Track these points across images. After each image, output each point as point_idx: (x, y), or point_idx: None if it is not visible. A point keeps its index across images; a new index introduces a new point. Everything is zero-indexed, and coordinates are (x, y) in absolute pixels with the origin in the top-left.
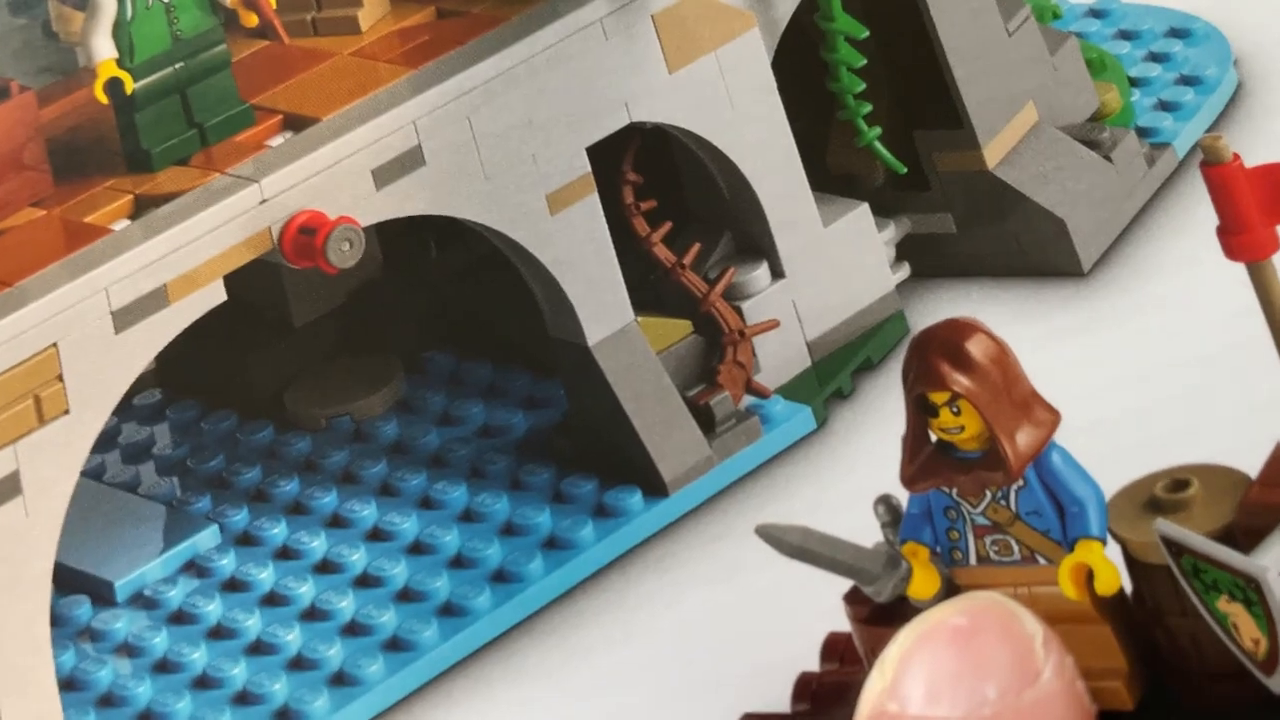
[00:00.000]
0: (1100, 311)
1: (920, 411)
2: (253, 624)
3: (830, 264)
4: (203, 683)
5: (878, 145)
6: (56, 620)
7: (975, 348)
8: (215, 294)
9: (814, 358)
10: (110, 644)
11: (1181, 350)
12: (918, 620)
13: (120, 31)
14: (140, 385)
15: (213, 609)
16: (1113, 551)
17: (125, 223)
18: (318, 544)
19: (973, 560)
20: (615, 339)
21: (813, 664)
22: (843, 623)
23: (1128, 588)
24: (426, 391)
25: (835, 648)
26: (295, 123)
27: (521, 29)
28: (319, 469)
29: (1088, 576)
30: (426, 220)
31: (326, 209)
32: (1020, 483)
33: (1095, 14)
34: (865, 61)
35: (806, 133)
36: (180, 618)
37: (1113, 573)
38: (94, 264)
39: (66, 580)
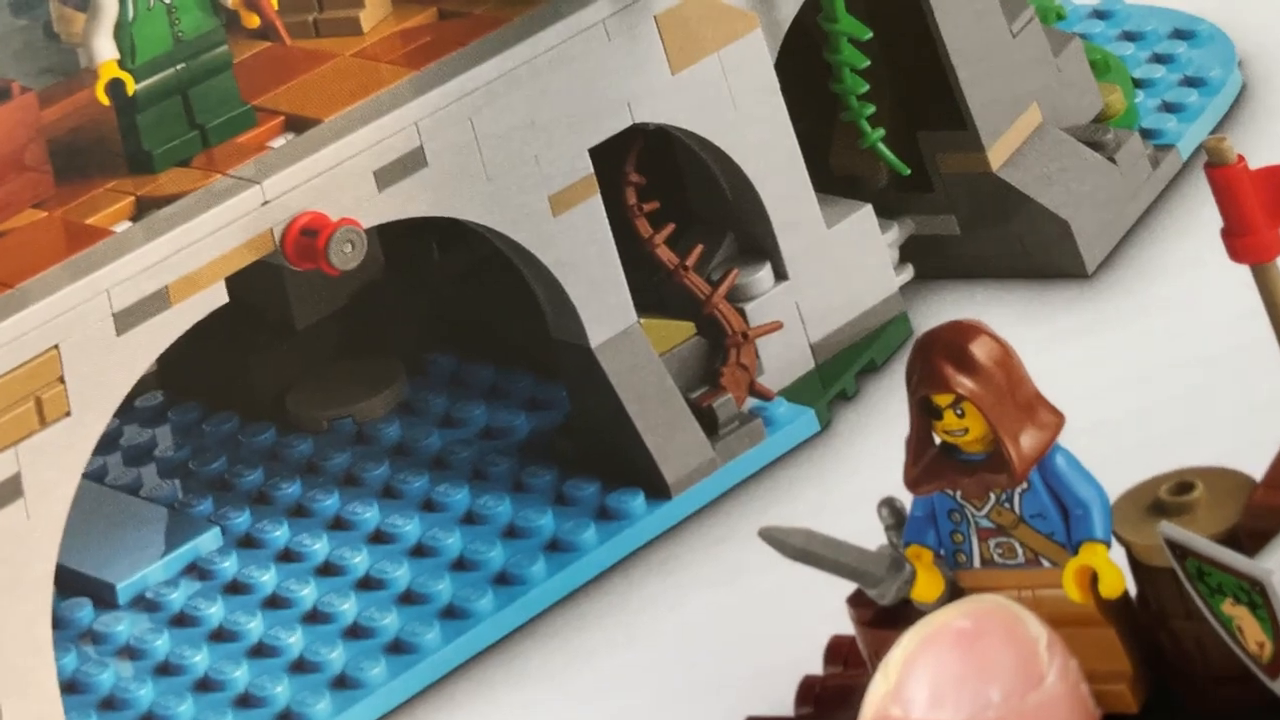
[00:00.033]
0: (1104, 313)
1: (924, 414)
2: (255, 626)
3: (834, 266)
4: (205, 685)
5: (881, 146)
6: (58, 623)
7: (979, 350)
8: (217, 296)
9: (817, 360)
10: (112, 646)
11: (1186, 352)
12: (921, 623)
13: (122, 32)
14: (142, 387)
15: (215, 611)
16: (1117, 554)
17: (127, 224)
18: (320, 546)
19: (977, 563)
20: (618, 341)
21: (816, 667)
22: (846, 625)
23: (1132, 591)
24: (428, 393)
25: (839, 651)
26: (297, 124)
27: (524, 30)
28: (321, 471)
29: (1092, 579)
30: (429, 222)
31: (328, 210)
32: (1024, 485)
33: (1099, 15)
34: (868, 63)
35: (810, 134)
36: (182, 620)
37: (1117, 576)
38: (95, 266)
39: (68, 583)
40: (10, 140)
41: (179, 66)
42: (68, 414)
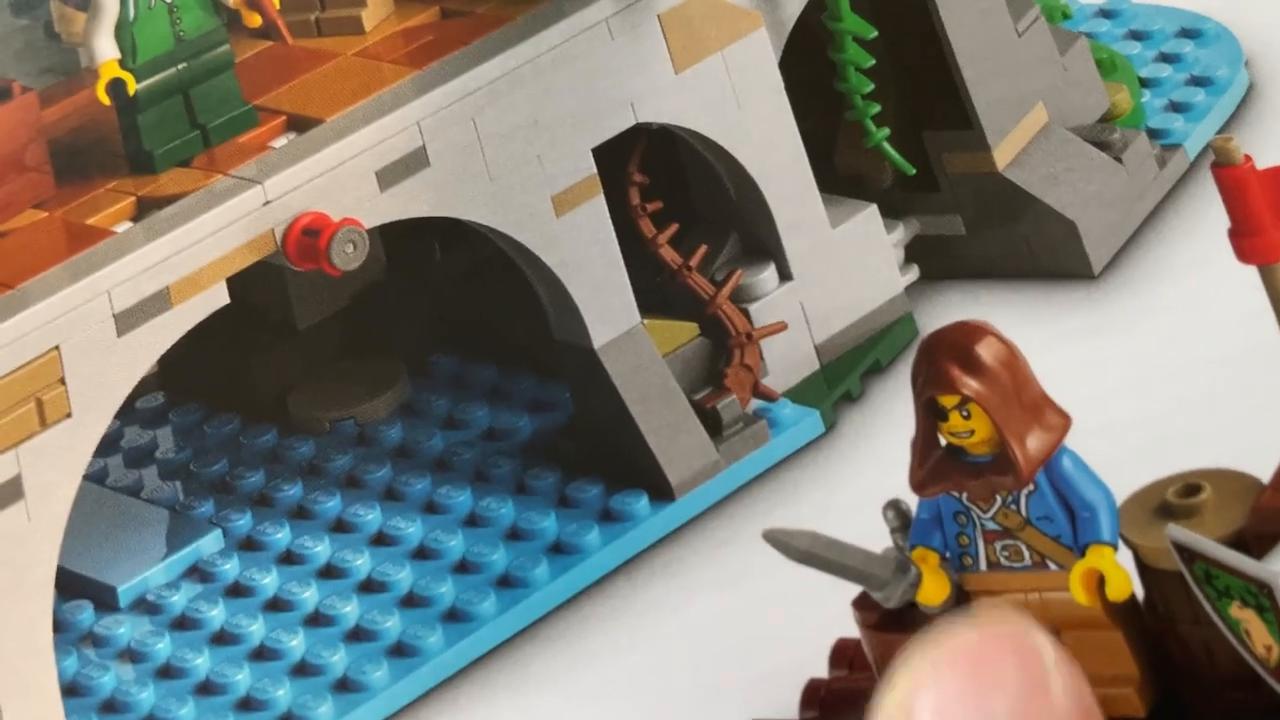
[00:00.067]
0: (1111, 314)
1: (930, 415)
2: (256, 629)
3: (838, 266)
4: (206, 688)
5: (886, 146)
6: (59, 625)
7: (985, 351)
8: (218, 296)
9: (822, 360)
10: (113, 649)
11: (1193, 353)
12: (926, 636)
13: (123, 32)
14: (143, 388)
15: (216, 614)
16: (1124, 557)
17: (128, 225)
18: (321, 549)
19: (983, 565)
20: (621, 341)
21: (821, 670)
22: (851, 629)
23: (1139, 594)
24: (431, 395)
25: (844, 654)
26: (299, 124)
27: (526, 29)
28: (323, 473)
29: (1099, 582)
30: (431, 222)
31: (330, 211)
32: (1031, 487)
33: (1105, 14)
34: (873, 62)
35: (814, 133)
36: (183, 623)
37: (1124, 578)
38: (96, 266)
39: (69, 585)
40: (11, 140)
41: (180, 66)
42: (68, 415)
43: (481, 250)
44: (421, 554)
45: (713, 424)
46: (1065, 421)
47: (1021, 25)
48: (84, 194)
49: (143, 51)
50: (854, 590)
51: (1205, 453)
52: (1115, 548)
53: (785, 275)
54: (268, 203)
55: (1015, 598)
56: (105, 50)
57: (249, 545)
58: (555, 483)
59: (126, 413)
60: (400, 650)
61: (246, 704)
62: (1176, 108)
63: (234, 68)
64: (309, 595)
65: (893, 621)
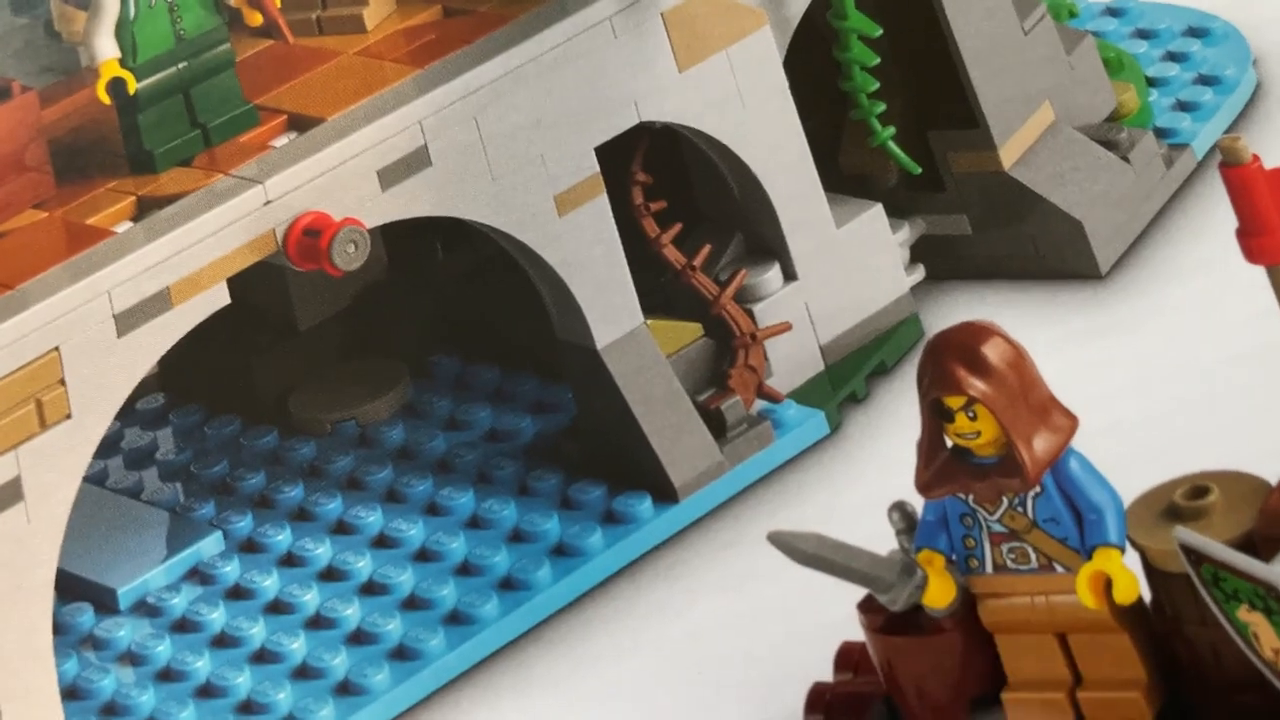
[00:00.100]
0: (1118, 315)
1: (935, 416)
2: (257, 632)
3: (843, 266)
4: (206, 691)
5: (891, 145)
6: (59, 628)
7: (991, 351)
8: (219, 297)
9: (827, 361)
10: (113, 652)
11: (1200, 354)
12: None
13: (123, 31)
14: (143, 389)
15: (216, 617)
16: (1131, 560)
17: (128, 225)
18: (323, 551)
19: (989, 568)
20: (624, 342)
21: (826, 674)
22: (857, 632)
23: (1146, 597)
24: (433, 396)
25: (849, 657)
26: (300, 123)
27: (529, 27)
28: (324, 474)
29: (1106, 585)
30: (432, 222)
31: (331, 210)
32: (1037, 489)
33: (1112, 12)
34: (879, 60)
35: (819, 132)
36: (184, 625)
37: (1131, 581)
38: (96, 266)
39: (69, 587)
40: (11, 140)
41: (181, 65)
42: (68, 416)
43: (484, 250)
44: (423, 556)
45: (717, 425)
46: (1072, 423)
47: (1028, 23)
48: (84, 194)
49: (143, 50)
50: (859, 593)
51: (1213, 454)
52: (1122, 550)
53: (790, 275)
54: (269, 202)
55: (1022, 600)
56: (105, 49)
57: (250, 547)
58: (558, 484)
59: (127, 414)
60: (402, 653)
61: (247, 707)
62: (1184, 107)
63: (235, 67)
64: (310, 598)
65: (898, 625)
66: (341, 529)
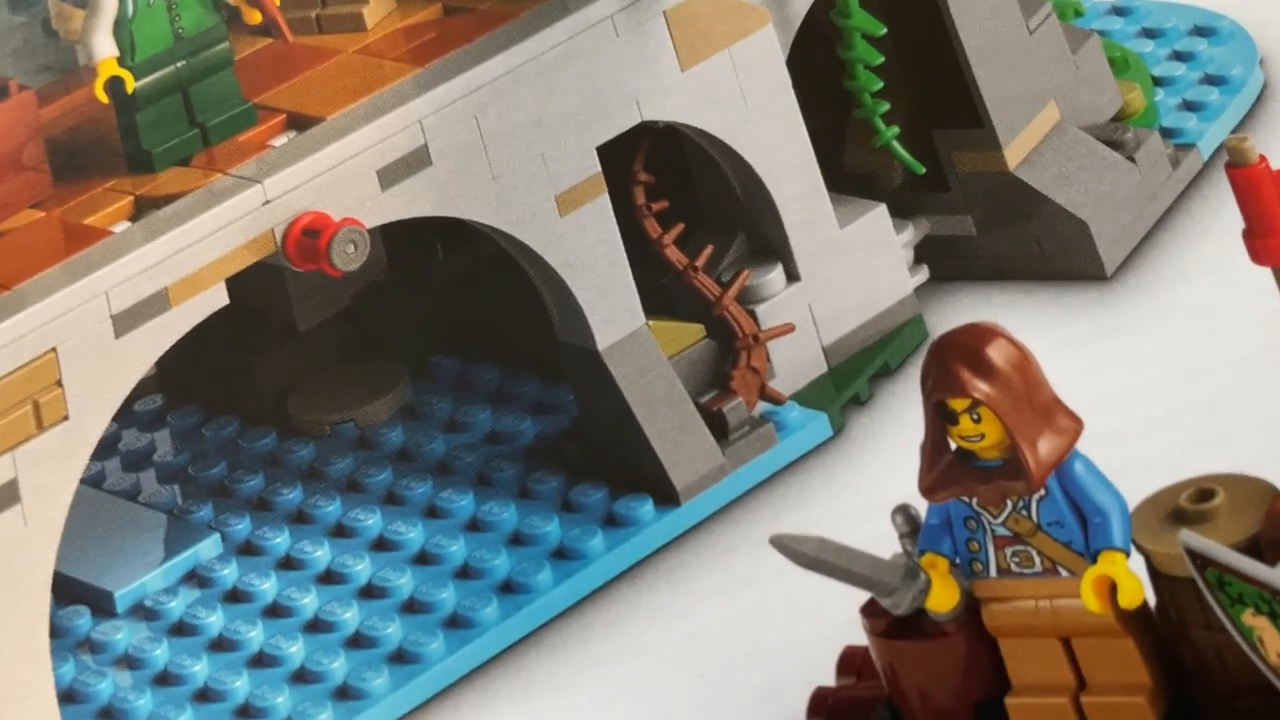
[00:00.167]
0: (1123, 316)
1: (939, 419)
2: (255, 635)
3: (847, 267)
4: (204, 695)
5: (896, 145)
6: (56, 631)
7: (996, 353)
8: (217, 297)
9: (830, 363)
10: (110, 656)
11: (1207, 356)
12: None
13: (121, 29)
14: (141, 390)
15: (214, 620)
16: (1136, 563)
17: (126, 224)
18: (321, 554)
19: (993, 572)
20: (626, 343)
21: (828, 678)
22: (859, 636)
23: (1151, 601)
24: (432, 397)
25: (852, 662)
26: (299, 122)
27: (530, 26)
28: (322, 477)
29: (1111, 589)
30: (432, 222)
31: (331, 210)
32: (1042, 492)
33: (1118, 11)
34: (883, 59)
35: (822, 132)
36: (181, 629)
37: (1136, 585)
38: (94, 267)
39: (66, 590)
40: (8, 139)
41: (179, 64)
42: (65, 418)
43: (484, 251)
44: (423, 559)
45: (719, 427)
46: (1077, 425)
47: (1033, 22)
48: (82, 193)
49: (141, 49)
50: (862, 597)
51: (1219, 457)
52: (1127, 554)
53: (793, 276)
54: (267, 202)
55: (1025, 604)
56: (103, 48)
57: (248, 550)
58: (559, 487)
59: (124, 415)
60: (401, 657)
61: (245, 711)
62: (1190, 107)
63: (233, 65)
64: (308, 601)
65: (901, 629)
66: (341, 531)
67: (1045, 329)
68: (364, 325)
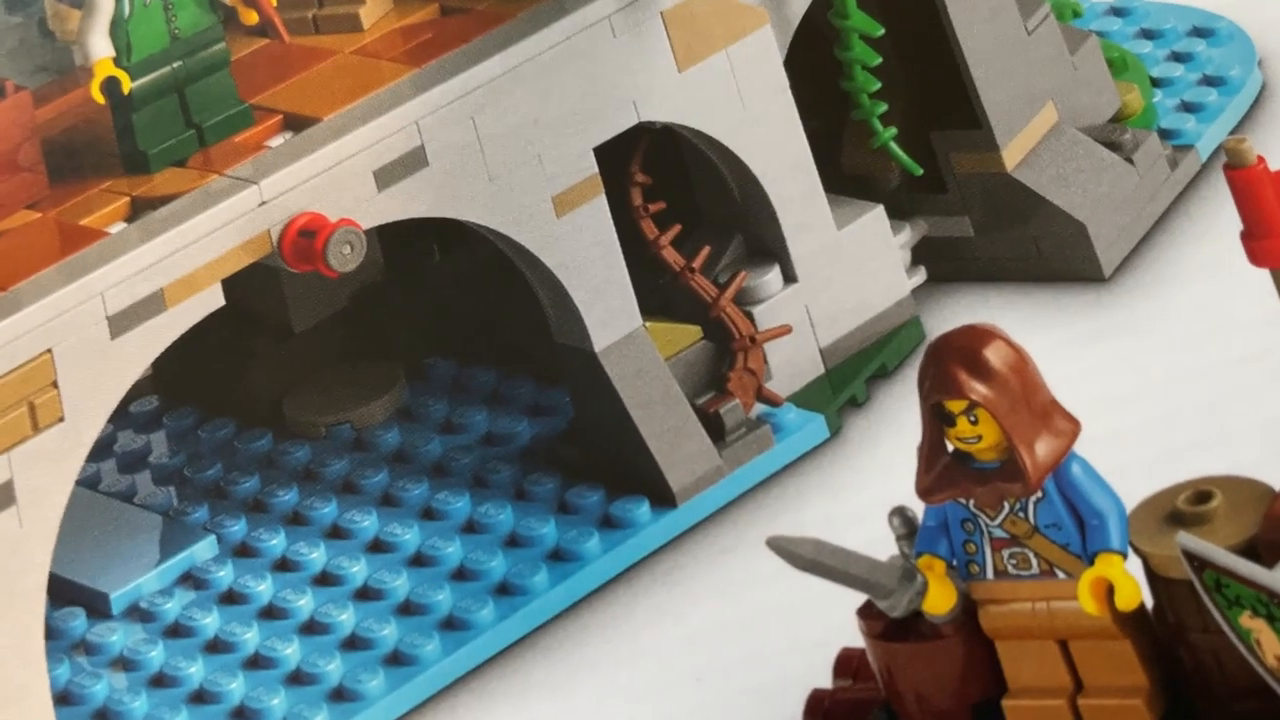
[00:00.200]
0: (1121, 318)
1: (936, 420)
2: (251, 637)
3: (844, 268)
4: (200, 697)
5: (893, 146)
6: (51, 633)
7: (993, 355)
8: (213, 298)
9: (827, 364)
10: (106, 657)
11: (1205, 358)
12: None
13: (117, 30)
14: (136, 392)
15: (210, 622)
16: (1134, 565)
17: (122, 225)
18: (317, 555)
19: (990, 574)
20: (622, 345)
21: (825, 680)
22: (856, 638)
23: (1149, 603)
24: (428, 399)
25: (848, 664)
26: (295, 123)
27: (527, 26)
28: (318, 478)
29: (1108, 591)
30: (429, 223)
31: (327, 211)
32: (1039, 494)
33: (1116, 12)
34: (880, 60)
35: (820, 133)
36: (177, 631)
37: (1133, 587)
38: (90, 268)
39: (61, 592)
40: (4, 140)
41: (175, 64)
42: (61, 419)
43: (481, 252)
44: (419, 561)
45: (715, 429)
46: (1074, 427)
47: (1031, 23)
48: (78, 194)
49: (138, 49)
50: (859, 599)
51: (1217, 459)
52: (1125, 556)
53: (790, 277)
54: (264, 203)
55: (1023, 606)
56: (100, 48)
57: (243, 552)
58: (555, 488)
59: (120, 417)
60: (397, 659)
61: (241, 713)
62: (1188, 108)
63: (230, 66)
64: (304, 603)
65: (898, 631)
66: (336, 533)
67: (1043, 330)
68: (360, 327)
